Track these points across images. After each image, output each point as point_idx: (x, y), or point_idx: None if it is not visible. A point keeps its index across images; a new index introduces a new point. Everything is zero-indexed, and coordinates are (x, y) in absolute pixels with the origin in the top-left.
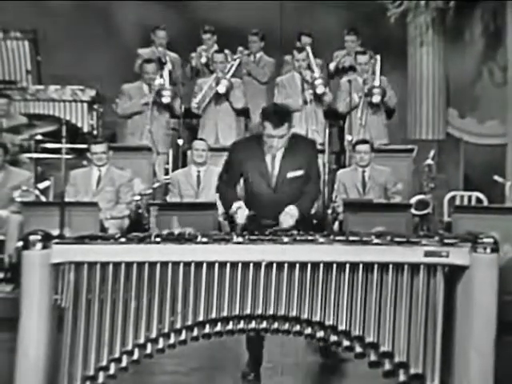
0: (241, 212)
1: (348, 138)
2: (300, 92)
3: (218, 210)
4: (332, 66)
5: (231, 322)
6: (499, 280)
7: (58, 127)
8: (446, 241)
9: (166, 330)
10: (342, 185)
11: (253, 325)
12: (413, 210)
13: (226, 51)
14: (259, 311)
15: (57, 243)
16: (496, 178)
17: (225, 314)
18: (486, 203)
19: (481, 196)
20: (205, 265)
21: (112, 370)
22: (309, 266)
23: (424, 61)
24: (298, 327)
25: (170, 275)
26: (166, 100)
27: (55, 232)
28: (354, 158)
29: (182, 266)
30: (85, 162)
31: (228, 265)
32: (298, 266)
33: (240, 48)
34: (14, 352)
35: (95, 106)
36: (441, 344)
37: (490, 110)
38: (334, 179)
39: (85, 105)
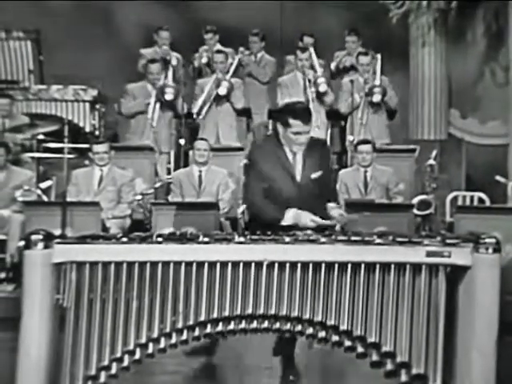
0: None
1: (350, 138)
2: (302, 91)
3: (219, 210)
4: (332, 65)
5: (233, 322)
6: (501, 280)
7: (59, 127)
8: (448, 241)
9: (168, 330)
10: (343, 185)
11: (254, 324)
12: (415, 210)
13: (228, 50)
14: (261, 311)
15: (58, 243)
16: (498, 178)
17: (226, 313)
18: (488, 203)
19: (483, 196)
20: (206, 264)
21: (114, 370)
22: (310, 265)
23: (426, 61)
24: (299, 327)
25: (172, 275)
26: (168, 97)
27: (57, 232)
28: (356, 158)
29: (183, 265)
30: (87, 162)
31: (229, 264)
32: (299, 265)
33: (241, 48)
34: (16, 351)
35: (97, 106)
36: (443, 344)
37: (492, 111)
38: (335, 179)
39: (87, 104)
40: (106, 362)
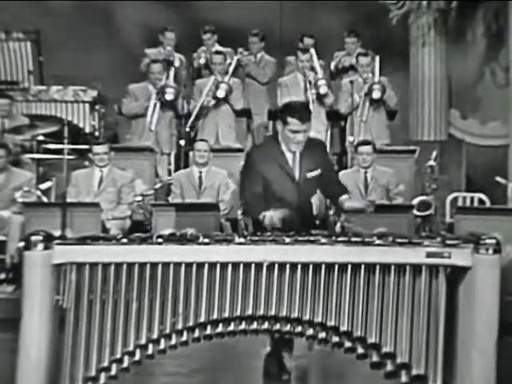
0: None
1: (350, 138)
2: (303, 92)
3: (219, 211)
4: (332, 65)
5: (233, 323)
6: (501, 281)
7: (59, 128)
8: (448, 242)
9: (168, 331)
10: None
11: (254, 326)
12: (415, 211)
13: (227, 50)
14: (261, 312)
15: (58, 244)
16: (498, 179)
17: (226, 314)
18: (488, 204)
19: (483, 197)
20: (206, 265)
21: (113, 371)
22: (310, 266)
23: (426, 61)
24: (299, 328)
25: (172, 276)
26: (169, 97)
27: (57, 233)
28: (356, 159)
29: (183, 266)
30: (86, 163)
31: (230, 265)
32: (299, 266)
33: (240, 49)
34: (16, 352)
35: (97, 107)
36: (443, 345)
37: (492, 111)
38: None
39: (87, 105)
40: (105, 363)
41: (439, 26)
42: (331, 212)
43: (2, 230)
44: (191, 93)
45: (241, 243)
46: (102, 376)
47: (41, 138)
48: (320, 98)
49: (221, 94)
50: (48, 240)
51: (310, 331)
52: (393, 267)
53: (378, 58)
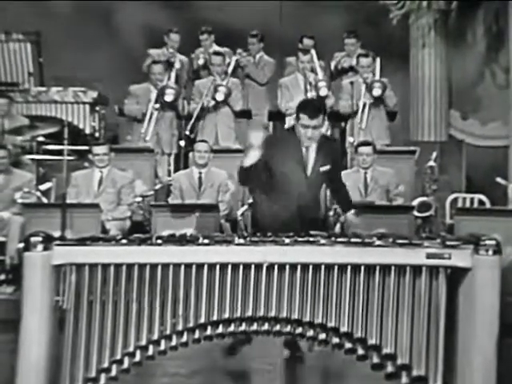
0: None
1: (350, 139)
2: (303, 93)
3: (219, 212)
4: (332, 65)
5: (233, 324)
6: (501, 282)
7: (59, 129)
8: (448, 243)
9: (168, 332)
10: None
11: (254, 327)
12: (415, 212)
13: (225, 50)
14: (261, 313)
15: (58, 245)
16: (498, 179)
17: (226, 315)
18: (488, 205)
19: (483, 198)
20: (206, 266)
21: (113, 372)
22: (310, 267)
23: (426, 62)
24: (300, 329)
25: (172, 277)
26: (168, 98)
27: (56, 233)
28: (356, 159)
29: (183, 267)
30: (86, 164)
31: (229, 266)
32: (299, 267)
33: (239, 50)
34: (16, 353)
35: (97, 108)
36: (443, 346)
37: (493, 112)
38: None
39: (87, 106)
40: (105, 364)
41: (439, 27)
42: (331, 213)
43: (2, 231)
44: (191, 93)
45: (240, 244)
46: (102, 377)
47: (41, 138)
48: (321, 99)
49: (220, 97)
50: (48, 241)
51: (311, 332)
52: (393, 268)
53: (378, 60)
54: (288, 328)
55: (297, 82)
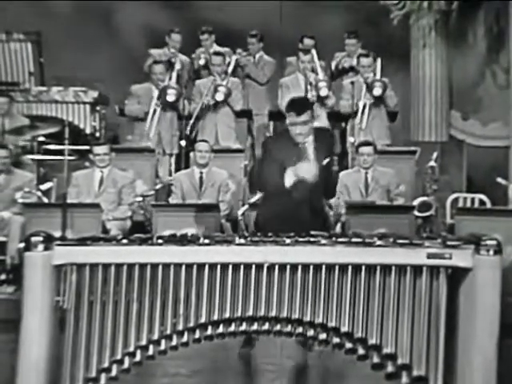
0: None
1: (350, 139)
2: (303, 93)
3: (219, 212)
4: (332, 65)
5: (233, 324)
6: (502, 282)
7: (60, 129)
8: (449, 243)
9: (168, 332)
10: (344, 186)
11: (255, 327)
12: (415, 212)
13: (225, 49)
14: (261, 313)
15: (59, 245)
16: (499, 180)
17: (227, 315)
18: (488, 205)
19: (484, 198)
20: (207, 266)
21: (114, 372)
22: (311, 267)
23: (427, 62)
24: (300, 329)
25: (172, 277)
26: (170, 98)
27: (57, 233)
28: (357, 159)
29: (184, 267)
30: (87, 164)
31: (230, 266)
32: (300, 267)
33: (238, 50)
34: (16, 353)
35: (98, 108)
36: (444, 346)
37: (493, 112)
38: (336, 181)
39: (87, 106)
40: (106, 364)
41: (440, 28)
42: (331, 213)
43: (3, 231)
44: (192, 93)
45: (241, 244)
46: (103, 377)
47: (41, 138)
48: (321, 100)
49: (220, 97)
50: (48, 241)
51: (311, 332)
52: (393, 268)
53: (379, 60)
54: (289, 328)
55: (297, 81)
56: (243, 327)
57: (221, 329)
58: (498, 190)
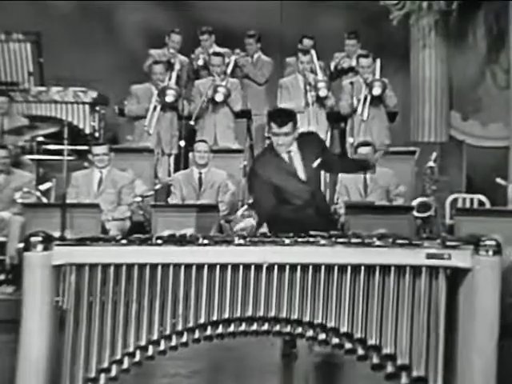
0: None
1: (350, 140)
2: (303, 94)
3: (219, 212)
4: (331, 66)
5: (233, 324)
6: (502, 282)
7: (59, 129)
8: (448, 243)
9: (168, 332)
10: (343, 187)
11: (254, 327)
12: (415, 213)
13: (224, 50)
14: (261, 313)
15: (58, 245)
16: (498, 180)
17: (226, 316)
18: (488, 206)
19: (483, 198)
20: (206, 267)
21: (113, 372)
22: (310, 268)
23: (427, 63)
24: (299, 329)
25: (172, 277)
26: (169, 99)
27: (56, 233)
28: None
29: (183, 268)
30: (86, 164)
31: (229, 267)
32: (299, 268)
33: (237, 50)
34: (16, 353)
35: (97, 108)
36: (443, 346)
37: (493, 113)
38: (335, 181)
39: (87, 106)
40: (105, 364)
41: (440, 28)
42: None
43: (2, 231)
44: (191, 94)
45: (240, 244)
46: (102, 377)
47: (41, 138)
48: (320, 100)
49: (219, 97)
50: (48, 241)
51: (310, 332)
52: (393, 268)
53: (378, 60)
54: (288, 328)
55: (297, 82)
56: (242, 327)
57: (220, 329)
58: (498, 190)
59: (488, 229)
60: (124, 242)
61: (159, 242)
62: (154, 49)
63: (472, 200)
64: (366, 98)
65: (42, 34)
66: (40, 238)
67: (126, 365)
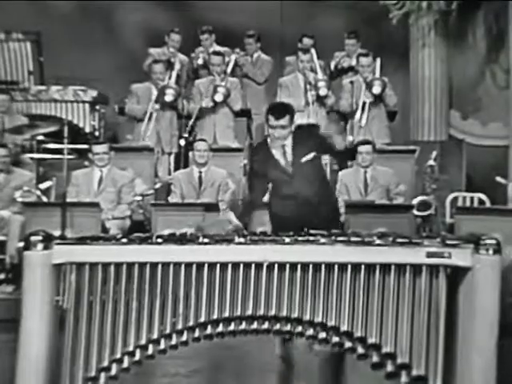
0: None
1: (349, 138)
2: (303, 93)
3: (219, 211)
4: (332, 65)
5: (233, 323)
6: (501, 281)
7: (59, 128)
8: (448, 242)
9: (168, 331)
10: (343, 185)
11: (255, 326)
12: (415, 211)
13: (224, 49)
14: (261, 312)
15: (58, 244)
16: (498, 179)
17: (226, 314)
18: (488, 204)
19: (483, 197)
20: (206, 265)
21: (113, 371)
22: (310, 266)
23: (426, 62)
24: (299, 328)
25: (172, 276)
26: (168, 98)
27: (57, 232)
28: (356, 158)
29: (183, 266)
30: (86, 163)
31: (229, 266)
32: (299, 266)
33: (237, 49)
34: (16, 353)
35: (97, 107)
36: (443, 345)
37: (493, 112)
38: (335, 180)
39: (87, 105)
40: (105, 363)
41: (440, 28)
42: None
43: (2, 230)
44: (191, 93)
45: (241, 243)
46: (102, 376)
47: (41, 137)
48: (320, 99)
49: (219, 97)
50: (48, 240)
51: (311, 331)
52: (393, 267)
53: (379, 60)
54: (288, 327)
55: (297, 81)
56: (243, 326)
57: (220, 328)
58: (498, 189)
59: (488, 227)
60: (124, 240)
61: (159, 240)
62: (154, 48)
63: (472, 199)
64: (364, 104)
65: (42, 34)
66: (40, 237)
67: (126, 364)
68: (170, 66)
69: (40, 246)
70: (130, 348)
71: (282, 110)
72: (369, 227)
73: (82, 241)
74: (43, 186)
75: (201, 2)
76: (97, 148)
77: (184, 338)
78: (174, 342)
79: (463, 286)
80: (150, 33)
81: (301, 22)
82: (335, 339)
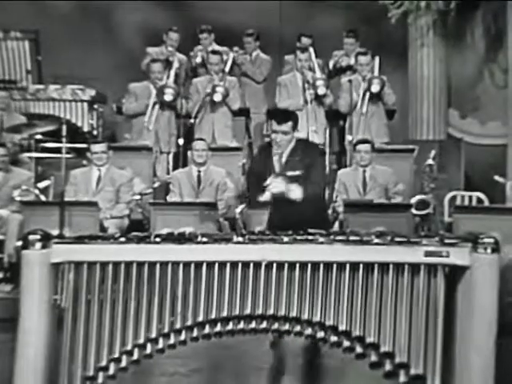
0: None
1: (348, 137)
2: (301, 92)
3: (217, 210)
4: (330, 64)
5: (231, 323)
6: (500, 280)
7: (58, 127)
8: (447, 241)
9: (166, 330)
10: (342, 184)
11: (253, 325)
12: (413, 210)
13: (223, 48)
14: (259, 311)
15: (56, 243)
16: (497, 178)
17: (225, 314)
18: (486, 203)
19: (481, 196)
20: (205, 265)
21: (112, 371)
22: (309, 265)
23: (425, 62)
24: (298, 327)
25: (170, 275)
26: (167, 98)
27: (55, 231)
28: (355, 157)
29: (181, 265)
30: (85, 162)
31: (228, 265)
32: (298, 265)
33: (235, 48)
34: (14, 352)
35: (95, 106)
36: (441, 344)
37: (491, 111)
38: (334, 179)
39: (85, 104)
40: (104, 363)
41: (438, 27)
42: (330, 211)
43: (1, 229)
44: (189, 92)
45: (239, 242)
46: (100, 375)
47: (39, 136)
48: (319, 98)
49: (217, 97)
50: (46, 239)
51: (309, 330)
52: (391, 266)
53: (377, 59)
54: (286, 326)
55: (295, 80)
56: (241, 325)
57: (218, 327)
58: (496, 188)
59: (486, 226)
60: (122, 240)
61: (158, 240)
62: (152, 47)
63: (470, 198)
64: (365, 93)
65: (41, 33)
66: (38, 236)
67: (124, 363)
68: (168, 65)
69: (38, 244)
70: (129, 347)
71: (284, 115)
72: (367, 226)
73: (80, 240)
74: (41, 184)
75: (200, 2)
76: (95, 147)
77: (182, 337)
78: (172, 341)
79: (461, 285)
80: (149, 32)
81: (300, 22)
82: (333, 338)
